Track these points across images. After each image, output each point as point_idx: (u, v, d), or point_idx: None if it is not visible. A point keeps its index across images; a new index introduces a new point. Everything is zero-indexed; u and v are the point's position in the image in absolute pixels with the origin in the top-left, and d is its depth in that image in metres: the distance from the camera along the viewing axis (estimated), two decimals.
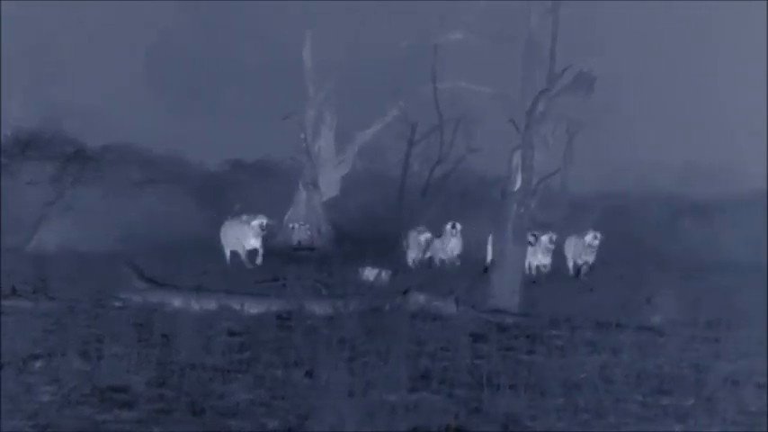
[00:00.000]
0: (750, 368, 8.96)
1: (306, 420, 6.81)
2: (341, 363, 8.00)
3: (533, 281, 16.98)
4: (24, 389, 7.39)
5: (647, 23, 33.32)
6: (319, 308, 11.38)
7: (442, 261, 20.60)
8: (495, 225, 13.81)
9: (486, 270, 14.89)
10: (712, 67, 33.99)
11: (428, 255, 20.22)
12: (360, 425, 6.64)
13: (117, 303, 11.78)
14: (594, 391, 7.72)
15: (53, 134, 27.26)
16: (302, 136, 28.01)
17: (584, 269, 18.59)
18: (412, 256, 20.49)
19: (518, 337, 10.44)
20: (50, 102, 33.84)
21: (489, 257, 16.16)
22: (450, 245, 20.60)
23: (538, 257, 18.52)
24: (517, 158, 13.56)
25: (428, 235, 20.40)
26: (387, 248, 18.88)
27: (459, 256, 20.53)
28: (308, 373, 8.07)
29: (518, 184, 13.42)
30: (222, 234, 20.17)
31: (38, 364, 8.17)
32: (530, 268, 18.40)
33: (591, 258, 18.63)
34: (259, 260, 19.05)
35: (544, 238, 18.48)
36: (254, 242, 19.27)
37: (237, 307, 11.47)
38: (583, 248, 18.64)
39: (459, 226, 20.63)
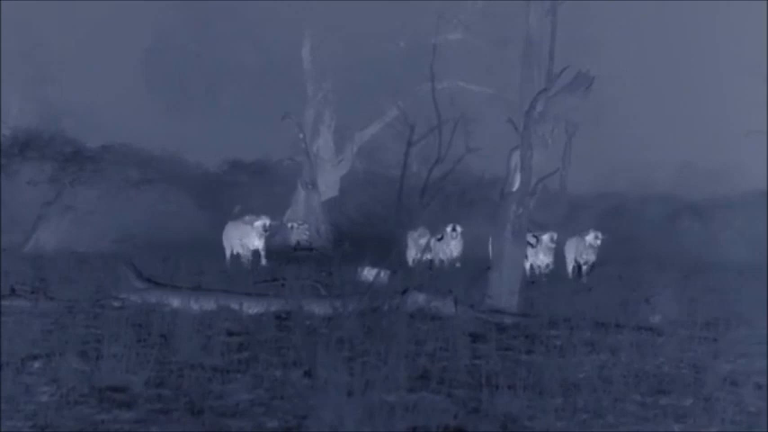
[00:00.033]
0: (749, 368, 8.97)
1: (305, 420, 6.81)
2: (340, 363, 7.99)
3: (532, 281, 16.95)
4: (23, 389, 7.38)
5: (646, 24, 33.40)
6: (318, 308, 11.37)
7: (442, 262, 20.59)
8: (493, 225, 13.77)
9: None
10: (712, 68, 34.04)
11: (428, 256, 20.19)
12: (359, 425, 6.64)
13: (116, 303, 11.77)
14: (593, 390, 7.72)
15: (52, 134, 27.30)
16: (301, 136, 27.98)
17: (586, 269, 18.57)
18: (411, 256, 20.48)
19: (517, 337, 10.45)
20: (49, 102, 33.90)
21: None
22: (451, 247, 20.60)
23: (539, 257, 18.51)
24: (516, 158, 13.52)
25: (427, 236, 20.38)
26: (386, 249, 18.86)
27: (459, 257, 20.53)
28: (307, 373, 8.06)
29: (517, 185, 13.38)
30: (225, 235, 20.23)
31: (37, 364, 8.16)
32: (532, 268, 18.40)
33: (592, 258, 18.62)
34: (263, 261, 19.25)
35: (545, 238, 18.47)
36: (258, 243, 19.51)
37: (236, 307, 11.46)
38: (584, 248, 18.61)
39: (459, 228, 20.63)
